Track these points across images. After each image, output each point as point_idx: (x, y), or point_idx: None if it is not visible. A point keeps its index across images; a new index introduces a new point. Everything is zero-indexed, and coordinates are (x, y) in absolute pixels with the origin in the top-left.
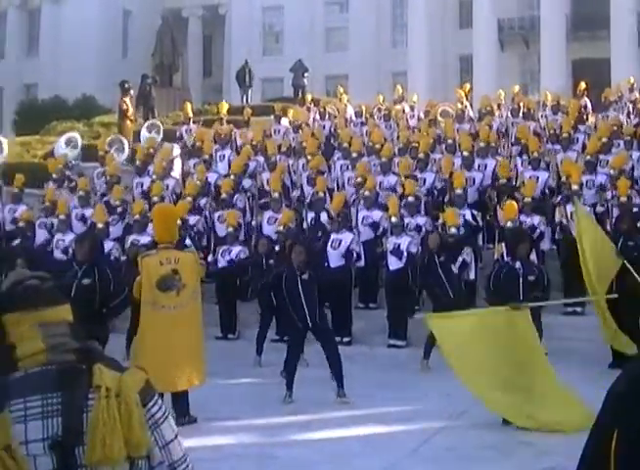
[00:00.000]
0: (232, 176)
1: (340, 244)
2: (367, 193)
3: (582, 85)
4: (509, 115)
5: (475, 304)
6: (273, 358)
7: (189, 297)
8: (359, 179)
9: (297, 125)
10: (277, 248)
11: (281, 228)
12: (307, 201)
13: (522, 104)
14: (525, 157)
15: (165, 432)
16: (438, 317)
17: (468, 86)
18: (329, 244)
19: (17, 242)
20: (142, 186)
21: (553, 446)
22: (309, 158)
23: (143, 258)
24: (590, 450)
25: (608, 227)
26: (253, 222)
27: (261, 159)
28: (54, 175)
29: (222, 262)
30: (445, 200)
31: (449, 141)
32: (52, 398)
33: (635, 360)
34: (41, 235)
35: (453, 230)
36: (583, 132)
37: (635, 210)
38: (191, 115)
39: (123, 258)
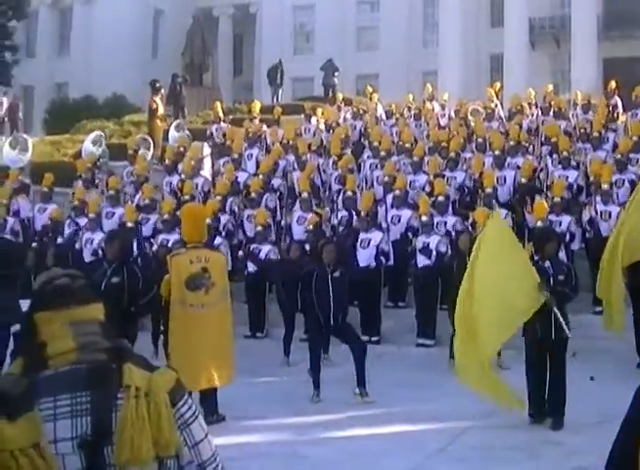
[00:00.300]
0: (261, 176)
1: (369, 243)
2: (397, 192)
3: (613, 84)
4: (539, 113)
5: None
6: (300, 357)
7: (218, 296)
8: (387, 178)
9: (329, 124)
10: (307, 248)
11: (311, 227)
12: (337, 200)
13: (552, 103)
14: (555, 156)
15: (195, 432)
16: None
17: (498, 85)
18: (358, 243)
19: (46, 239)
20: (171, 185)
21: (581, 445)
22: (336, 157)
23: (173, 257)
24: (619, 445)
25: None
26: (283, 222)
27: (291, 158)
28: (82, 175)
29: (252, 267)
30: (475, 199)
31: (479, 140)
32: (81, 396)
33: None
34: (70, 234)
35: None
36: (614, 131)
37: None
38: (221, 114)
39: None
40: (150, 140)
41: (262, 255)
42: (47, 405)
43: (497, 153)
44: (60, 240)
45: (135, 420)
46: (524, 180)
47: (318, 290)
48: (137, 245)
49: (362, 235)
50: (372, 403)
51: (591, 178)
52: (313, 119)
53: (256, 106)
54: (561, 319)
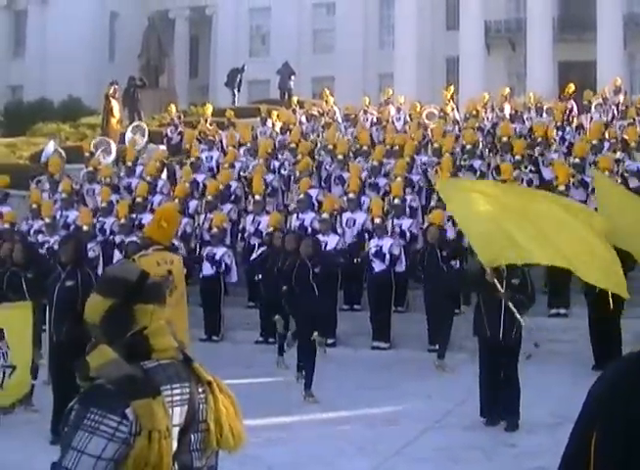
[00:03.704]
0: (220, 186)
1: (326, 246)
2: (351, 195)
3: (571, 87)
4: (494, 116)
5: (468, 302)
6: (259, 359)
7: (178, 298)
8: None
9: (285, 127)
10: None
11: (271, 230)
12: (292, 203)
13: (508, 106)
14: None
15: None
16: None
17: (452, 88)
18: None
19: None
20: (130, 187)
21: (537, 446)
22: (298, 158)
23: (140, 258)
24: (570, 451)
25: None
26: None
27: (244, 160)
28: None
29: (207, 266)
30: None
31: (435, 145)
32: (186, 387)
33: (615, 363)
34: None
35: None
36: (569, 134)
37: None
38: (176, 116)
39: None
40: (111, 143)
41: (217, 258)
42: (166, 393)
43: (448, 156)
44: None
45: (227, 411)
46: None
47: (298, 285)
48: (101, 248)
49: (320, 238)
50: (317, 403)
51: (554, 181)
52: (269, 122)
53: (208, 109)
54: (514, 309)
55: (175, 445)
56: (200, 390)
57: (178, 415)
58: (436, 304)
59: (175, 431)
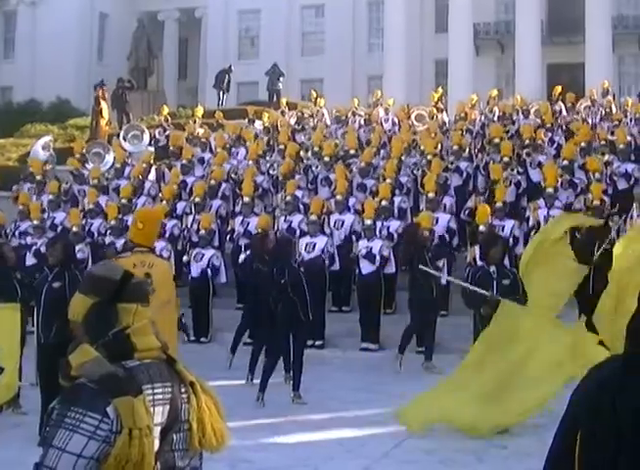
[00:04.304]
0: (212, 182)
1: (314, 247)
2: (339, 197)
3: (558, 89)
4: (482, 118)
5: (447, 307)
6: (247, 361)
7: (158, 305)
8: (334, 183)
9: (273, 128)
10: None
11: (259, 231)
12: (279, 204)
13: (497, 108)
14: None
15: None
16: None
17: (441, 91)
18: (303, 247)
19: None
20: (119, 189)
21: (526, 448)
22: (285, 160)
23: (117, 260)
24: (555, 452)
25: None
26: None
27: (234, 161)
28: (27, 180)
29: (195, 268)
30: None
31: (422, 146)
32: (168, 387)
33: (598, 365)
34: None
35: (426, 233)
36: (558, 136)
37: None
38: (167, 118)
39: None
40: (108, 145)
41: (205, 259)
42: (147, 392)
43: (430, 157)
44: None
45: (209, 411)
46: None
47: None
48: (90, 250)
49: (308, 239)
50: (305, 405)
51: (542, 183)
52: (257, 123)
53: (199, 111)
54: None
55: (157, 443)
56: (182, 390)
57: (160, 414)
58: (421, 306)
59: (157, 430)
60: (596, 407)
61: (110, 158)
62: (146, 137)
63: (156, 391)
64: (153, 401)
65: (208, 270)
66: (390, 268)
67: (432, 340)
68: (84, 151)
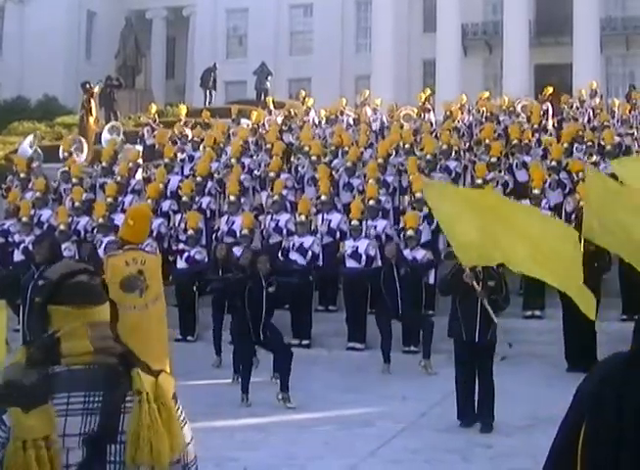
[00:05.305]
0: (198, 179)
1: (301, 246)
2: (324, 197)
3: (549, 90)
4: (471, 117)
5: (434, 307)
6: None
7: (151, 299)
8: (320, 183)
9: (259, 126)
10: (239, 251)
11: (246, 232)
12: (266, 204)
13: (484, 108)
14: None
15: (187, 434)
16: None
17: (428, 91)
18: (291, 246)
19: None
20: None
21: (512, 447)
22: (272, 159)
23: (109, 258)
24: (558, 446)
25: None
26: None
27: (223, 159)
28: (22, 174)
29: (181, 265)
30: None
31: (407, 145)
32: (95, 396)
33: (605, 360)
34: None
35: (410, 232)
36: (546, 136)
37: None
38: (156, 116)
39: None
40: (84, 141)
41: (190, 254)
42: (61, 401)
43: (429, 157)
44: None
45: (151, 424)
46: (479, 181)
47: (250, 303)
48: (77, 248)
49: (296, 239)
50: (294, 409)
51: (530, 183)
52: (243, 122)
53: (183, 110)
54: (489, 309)
55: (79, 454)
56: (128, 398)
57: (77, 424)
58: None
59: (74, 440)
60: (600, 401)
61: (82, 155)
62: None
63: (72, 399)
64: (65, 411)
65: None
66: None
67: (429, 337)
68: (68, 146)
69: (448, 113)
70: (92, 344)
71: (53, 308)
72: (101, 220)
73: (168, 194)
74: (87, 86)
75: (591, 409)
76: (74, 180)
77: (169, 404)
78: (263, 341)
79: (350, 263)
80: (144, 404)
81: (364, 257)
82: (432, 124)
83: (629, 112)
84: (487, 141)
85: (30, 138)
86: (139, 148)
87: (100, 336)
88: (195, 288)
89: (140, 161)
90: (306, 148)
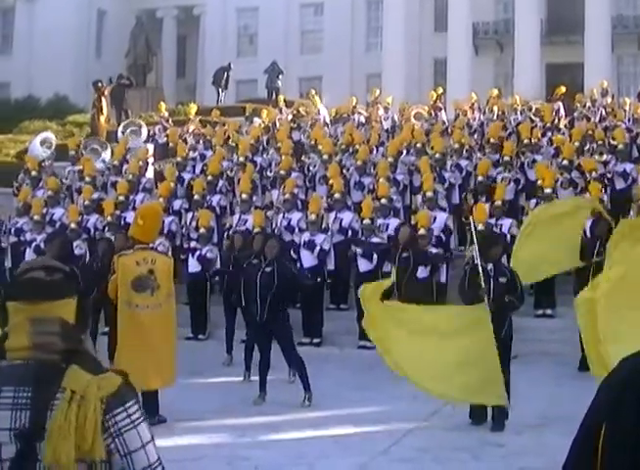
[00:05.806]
0: (209, 177)
1: (313, 244)
2: (337, 195)
3: (562, 89)
4: (481, 116)
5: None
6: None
7: (163, 298)
8: (331, 181)
9: (271, 125)
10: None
11: (257, 230)
12: (277, 202)
13: (496, 107)
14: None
15: (130, 440)
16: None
17: (440, 90)
18: (302, 245)
19: None
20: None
21: (523, 446)
22: (281, 158)
23: (119, 258)
24: (579, 442)
25: None
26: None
27: (235, 159)
28: (25, 176)
29: (193, 263)
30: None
31: (418, 145)
32: (24, 391)
33: (628, 360)
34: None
35: (422, 231)
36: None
37: None
38: (163, 117)
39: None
40: (105, 142)
41: (202, 253)
42: None
43: (438, 155)
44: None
45: (62, 424)
46: (480, 178)
47: (246, 283)
48: (88, 246)
49: (306, 237)
50: (308, 406)
51: (539, 181)
52: (255, 121)
53: (193, 108)
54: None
55: (12, 449)
56: (57, 396)
57: (7, 419)
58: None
59: (4, 435)
60: (619, 405)
61: (106, 155)
62: (144, 131)
63: (3, 394)
64: None
65: (206, 265)
66: (387, 266)
67: None
68: (81, 147)
69: (459, 111)
70: (30, 339)
71: (9, 304)
72: (109, 218)
73: (181, 193)
74: (99, 85)
75: (612, 406)
76: (87, 179)
77: (88, 405)
78: (268, 327)
79: (361, 262)
80: (63, 403)
81: (375, 255)
82: (443, 123)
83: None
84: (493, 140)
85: (44, 137)
86: (150, 147)
87: (40, 331)
88: (207, 283)
89: (151, 159)
90: (318, 146)
